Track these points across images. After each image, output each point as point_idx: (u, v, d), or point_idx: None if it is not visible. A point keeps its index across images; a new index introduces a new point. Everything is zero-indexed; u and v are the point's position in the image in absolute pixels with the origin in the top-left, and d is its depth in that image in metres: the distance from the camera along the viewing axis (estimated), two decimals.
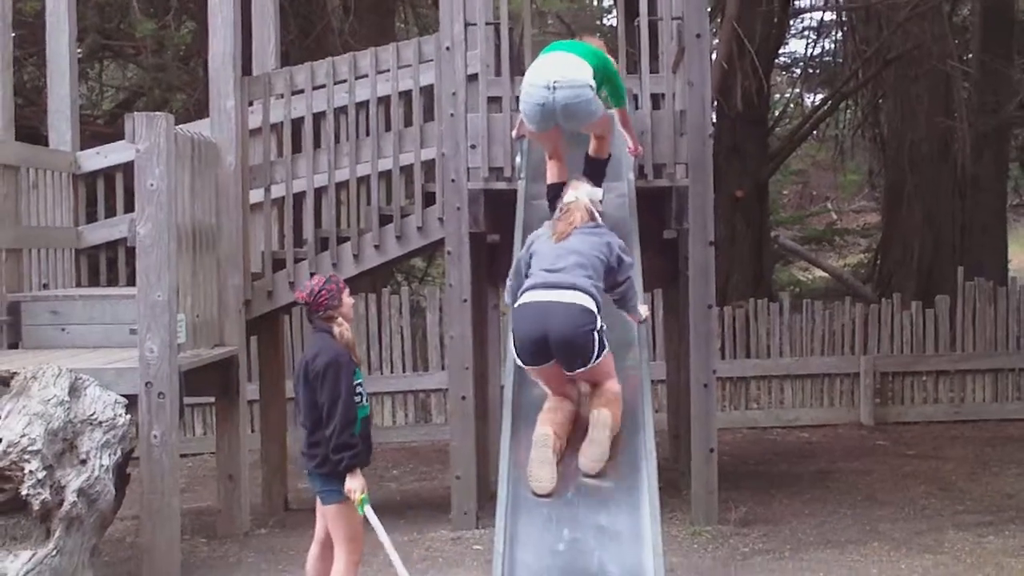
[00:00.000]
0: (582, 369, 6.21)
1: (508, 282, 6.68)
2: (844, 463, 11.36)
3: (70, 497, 6.18)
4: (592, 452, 6.23)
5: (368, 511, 5.93)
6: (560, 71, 7.14)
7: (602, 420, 6.26)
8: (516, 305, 6.30)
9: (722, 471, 8.78)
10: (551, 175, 7.61)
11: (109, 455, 6.47)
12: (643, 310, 6.79)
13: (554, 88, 7.08)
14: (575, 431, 6.36)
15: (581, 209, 6.56)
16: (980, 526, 8.69)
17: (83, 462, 6.36)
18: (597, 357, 6.16)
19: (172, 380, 7.03)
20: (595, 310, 6.16)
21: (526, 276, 6.45)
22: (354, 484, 5.93)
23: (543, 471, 6.13)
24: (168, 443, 7.02)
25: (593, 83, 7.21)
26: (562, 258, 6.30)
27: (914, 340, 13.67)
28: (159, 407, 6.99)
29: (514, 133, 8.24)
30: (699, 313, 8.45)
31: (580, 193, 6.68)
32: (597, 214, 6.65)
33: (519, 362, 6.31)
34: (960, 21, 21.07)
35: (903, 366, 13.61)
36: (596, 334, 6.13)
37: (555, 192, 7.31)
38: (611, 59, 7.67)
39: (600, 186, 7.28)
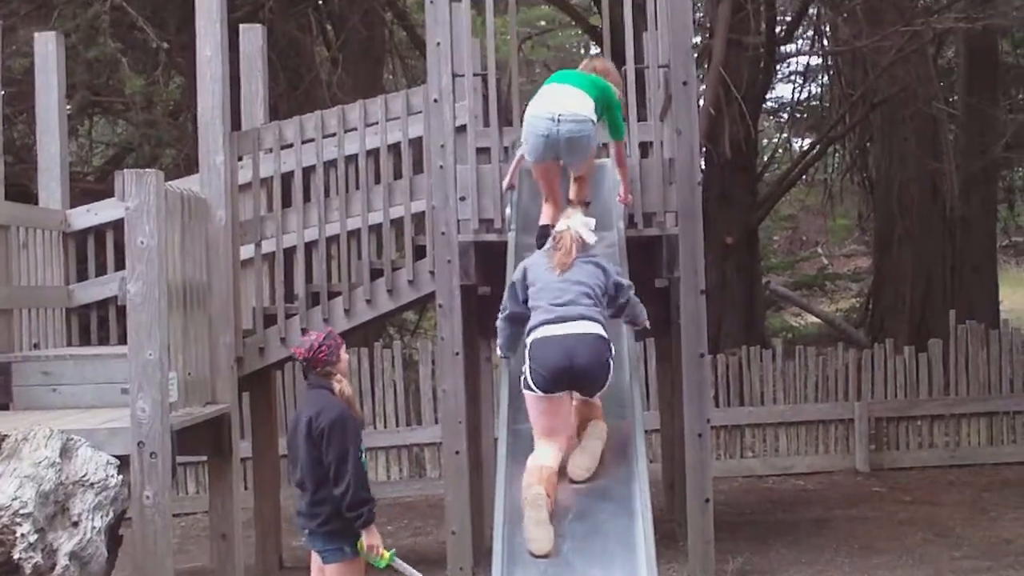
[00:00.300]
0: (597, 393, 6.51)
1: (503, 311, 6.83)
2: (841, 510, 11.31)
3: (62, 560, 6.11)
4: (584, 461, 6.46)
5: (398, 561, 6.00)
6: (564, 104, 7.32)
7: (598, 433, 6.57)
8: (534, 339, 6.40)
9: (718, 521, 8.73)
10: (544, 216, 7.72)
11: (101, 517, 6.40)
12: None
13: (558, 120, 7.27)
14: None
15: (574, 238, 6.66)
16: (978, 572, 8.65)
17: (75, 524, 6.29)
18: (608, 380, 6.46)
19: (164, 439, 6.97)
20: (608, 337, 6.42)
21: (524, 302, 6.63)
22: (375, 539, 5.99)
23: (540, 531, 6.12)
24: (161, 503, 6.95)
25: (594, 117, 7.41)
26: (566, 291, 6.47)
27: (908, 385, 13.65)
28: (151, 467, 6.92)
29: (505, 184, 8.27)
30: (692, 362, 8.42)
31: (572, 222, 6.78)
32: (591, 239, 6.74)
33: (534, 391, 6.35)
34: (945, 64, 21.23)
35: (898, 411, 13.58)
36: (611, 361, 6.43)
37: (544, 232, 7.44)
38: (615, 89, 7.80)
39: None
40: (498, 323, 6.93)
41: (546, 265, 6.65)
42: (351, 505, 5.95)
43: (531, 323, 6.49)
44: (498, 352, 7.12)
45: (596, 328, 6.36)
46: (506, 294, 6.85)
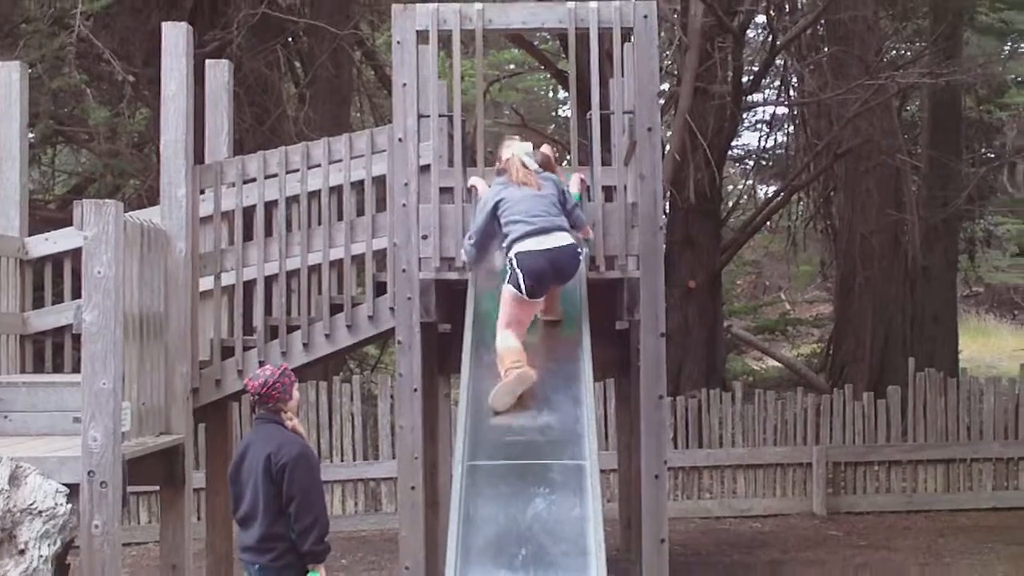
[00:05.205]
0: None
1: (470, 238, 7.75)
2: (797, 553, 11.35)
3: None
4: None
5: None
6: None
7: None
8: (523, 251, 7.37)
9: (674, 561, 8.72)
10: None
11: (48, 545, 6.35)
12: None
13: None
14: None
15: (523, 161, 7.74)
16: None
17: (21, 552, 6.24)
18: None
19: (115, 469, 6.92)
20: (575, 240, 7.57)
21: (499, 223, 7.56)
22: (323, 573, 6.02)
23: (509, 399, 7.28)
24: (110, 533, 6.89)
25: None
26: (538, 203, 7.53)
27: (866, 430, 13.74)
28: (101, 496, 6.87)
29: (467, 184, 8.47)
30: (650, 404, 8.42)
31: (515, 149, 7.85)
32: (532, 164, 7.79)
33: (520, 295, 7.39)
34: (909, 117, 21.50)
35: (855, 456, 13.67)
36: (580, 257, 7.65)
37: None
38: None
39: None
40: (466, 247, 7.80)
41: (514, 187, 7.63)
42: (319, 539, 6.01)
43: (514, 235, 7.42)
44: (463, 257, 7.95)
45: (570, 239, 7.49)
46: (477, 221, 7.70)
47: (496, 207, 7.60)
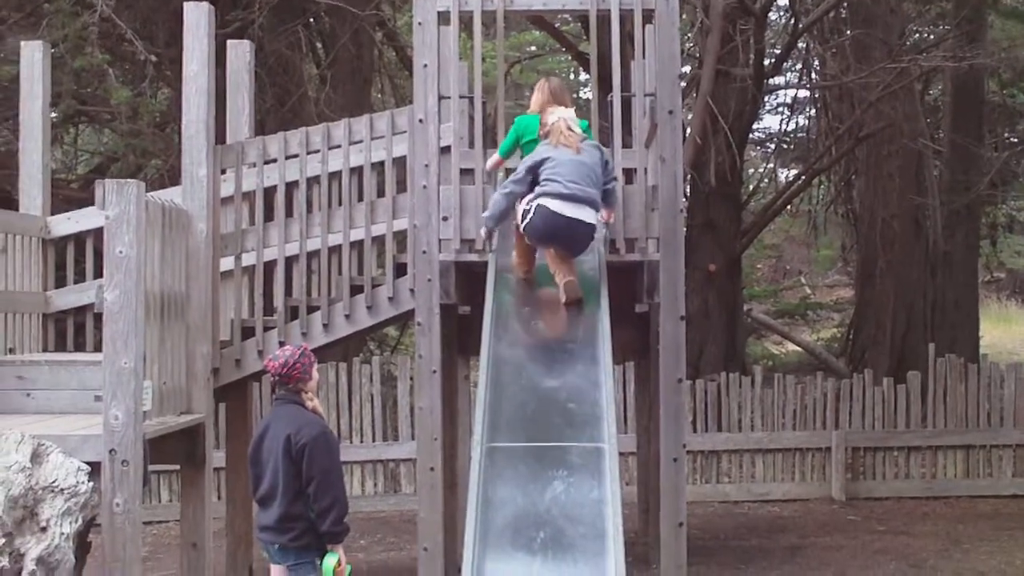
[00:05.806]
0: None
1: (505, 187, 7.80)
2: (816, 538, 11.33)
3: (29, 565, 6.09)
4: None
5: None
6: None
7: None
8: (546, 205, 7.52)
9: (692, 545, 8.73)
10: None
11: (70, 523, 6.38)
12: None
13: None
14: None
15: (567, 125, 7.77)
16: None
17: (43, 530, 6.27)
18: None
19: (136, 447, 6.96)
20: (596, 221, 7.70)
21: (531, 183, 7.67)
22: (341, 553, 6.04)
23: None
24: (131, 511, 6.93)
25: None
26: (578, 170, 7.59)
27: (886, 415, 13.69)
28: (122, 475, 6.91)
29: (488, 165, 8.51)
30: (669, 387, 8.43)
31: (562, 113, 7.87)
32: (577, 128, 7.82)
33: (528, 238, 7.76)
34: (931, 101, 21.38)
35: (875, 441, 13.63)
36: (594, 235, 7.76)
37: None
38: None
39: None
40: (496, 196, 7.84)
41: (559, 150, 7.68)
42: (338, 519, 6.02)
43: (546, 188, 7.55)
44: (484, 225, 7.92)
45: (593, 218, 7.63)
46: (516, 176, 7.74)
47: (541, 163, 7.66)
